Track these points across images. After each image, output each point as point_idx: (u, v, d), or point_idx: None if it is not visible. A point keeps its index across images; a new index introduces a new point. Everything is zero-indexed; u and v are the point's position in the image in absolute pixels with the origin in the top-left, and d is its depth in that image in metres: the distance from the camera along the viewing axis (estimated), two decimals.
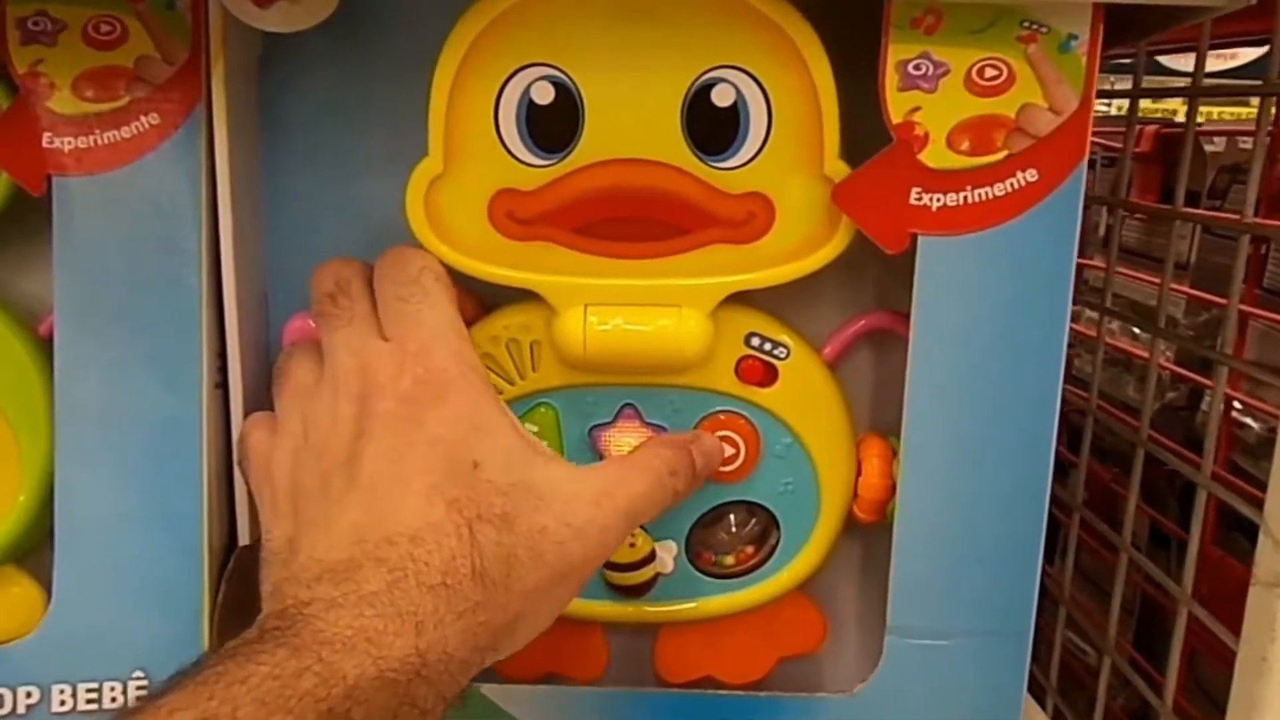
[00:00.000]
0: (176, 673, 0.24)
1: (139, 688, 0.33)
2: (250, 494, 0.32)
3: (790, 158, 0.31)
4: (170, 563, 0.33)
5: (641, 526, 0.34)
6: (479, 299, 0.33)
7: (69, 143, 0.32)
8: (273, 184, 0.35)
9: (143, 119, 0.32)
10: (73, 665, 0.33)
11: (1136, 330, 0.71)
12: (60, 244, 0.32)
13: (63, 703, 0.33)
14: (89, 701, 0.33)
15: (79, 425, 0.33)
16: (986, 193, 0.30)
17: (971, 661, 0.32)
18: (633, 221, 0.31)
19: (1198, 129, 0.42)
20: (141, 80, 0.31)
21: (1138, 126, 0.48)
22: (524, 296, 0.32)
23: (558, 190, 0.31)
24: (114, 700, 0.33)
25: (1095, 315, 0.43)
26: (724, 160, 0.31)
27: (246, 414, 0.33)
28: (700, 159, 0.31)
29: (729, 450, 0.33)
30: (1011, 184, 0.30)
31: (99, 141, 0.32)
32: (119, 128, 0.32)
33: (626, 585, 0.34)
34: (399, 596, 0.25)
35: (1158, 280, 0.40)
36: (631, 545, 0.34)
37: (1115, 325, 0.57)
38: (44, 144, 0.31)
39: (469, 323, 0.33)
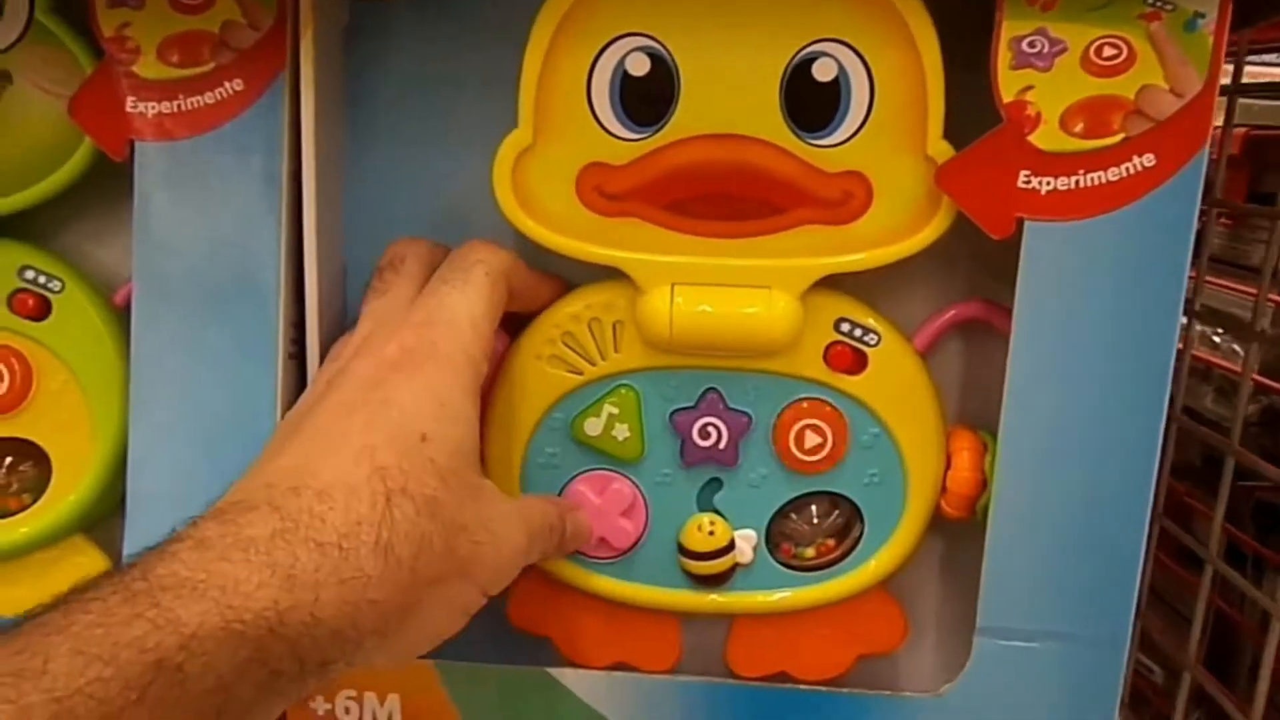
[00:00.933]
0: (13, 619, 0.23)
1: None
2: None
3: (892, 137, 0.29)
4: None
5: (720, 514, 0.33)
6: (559, 280, 0.33)
7: (152, 108, 0.31)
8: (356, 157, 0.34)
9: (227, 85, 0.31)
10: None
11: (1216, 339, 0.68)
12: (140, 211, 0.32)
13: None
14: None
15: (153, 395, 0.33)
16: (1100, 177, 0.29)
17: (1064, 667, 0.31)
18: (724, 199, 0.30)
19: None
20: (227, 46, 0.31)
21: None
22: (609, 274, 0.32)
23: (649, 165, 0.30)
24: None
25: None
26: (822, 137, 0.30)
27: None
28: (798, 136, 0.30)
29: (815, 440, 0.32)
30: (1127, 169, 0.28)
31: (182, 107, 0.32)
32: (202, 94, 0.31)
33: (704, 575, 0.33)
34: (279, 546, 0.23)
35: (1244, 288, 0.38)
36: (711, 534, 0.33)
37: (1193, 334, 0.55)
38: (127, 109, 0.31)
39: (549, 302, 0.32)
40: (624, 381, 0.33)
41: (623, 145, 0.30)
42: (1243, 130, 0.68)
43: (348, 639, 0.24)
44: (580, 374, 0.33)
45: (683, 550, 0.33)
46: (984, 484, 0.32)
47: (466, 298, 0.30)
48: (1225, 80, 0.42)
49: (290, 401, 0.33)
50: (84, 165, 0.33)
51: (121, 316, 0.34)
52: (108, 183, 0.33)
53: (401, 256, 0.31)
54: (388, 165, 0.34)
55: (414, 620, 0.26)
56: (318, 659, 0.24)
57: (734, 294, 0.31)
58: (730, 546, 0.33)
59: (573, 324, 0.32)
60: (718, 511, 0.33)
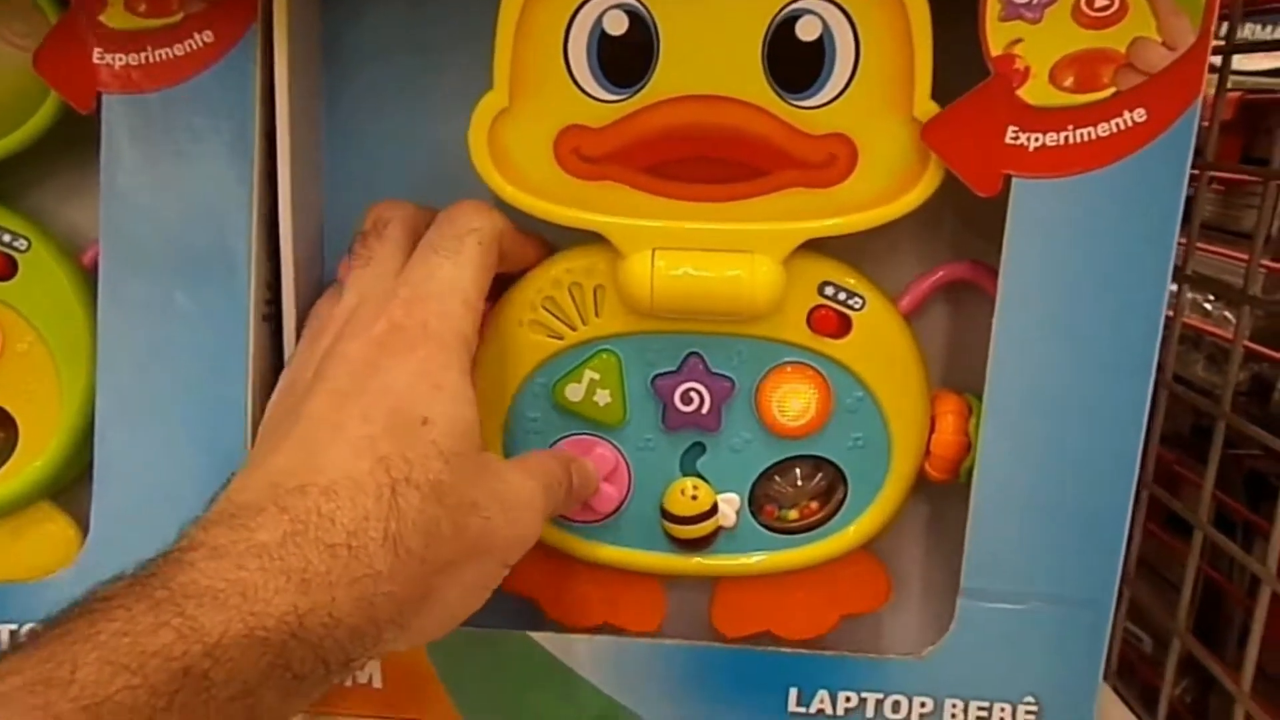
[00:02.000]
0: (32, 627, 0.23)
1: None
2: None
3: (877, 97, 0.29)
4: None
5: (703, 478, 0.33)
6: (544, 241, 0.32)
7: (119, 59, 0.31)
8: (333, 116, 0.33)
9: (196, 36, 0.31)
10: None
11: (1208, 306, 0.68)
12: (107, 167, 0.31)
13: None
14: None
15: (120, 359, 0.32)
16: (1090, 133, 0.28)
17: (1048, 629, 0.31)
18: (706, 162, 0.30)
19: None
20: None
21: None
22: (589, 239, 0.31)
23: (628, 127, 0.29)
24: None
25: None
26: (806, 98, 0.29)
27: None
28: (781, 96, 0.29)
29: (797, 405, 0.32)
30: (1118, 124, 0.28)
31: (150, 59, 0.31)
32: (170, 45, 0.31)
33: (687, 539, 0.33)
34: (290, 551, 0.23)
35: (1235, 254, 0.38)
36: (694, 498, 0.33)
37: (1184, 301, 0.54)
38: (94, 60, 0.30)
39: (533, 264, 0.32)
40: (605, 346, 0.32)
41: (601, 107, 0.29)
42: (1237, 95, 0.67)
43: (366, 634, 0.24)
44: (561, 339, 0.32)
45: (666, 515, 0.33)
46: (969, 447, 0.32)
47: (459, 270, 0.29)
48: (1219, 40, 0.41)
49: (266, 366, 0.33)
50: (49, 120, 0.32)
51: (90, 277, 0.34)
52: (76, 139, 0.32)
53: (385, 220, 0.30)
54: (366, 124, 0.33)
55: (432, 606, 0.26)
56: (340, 658, 0.24)
57: (716, 258, 0.30)
58: (713, 510, 0.33)
59: (553, 288, 0.32)
60: (701, 476, 0.33)
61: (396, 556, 0.24)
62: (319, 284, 0.34)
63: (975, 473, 0.31)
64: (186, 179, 0.31)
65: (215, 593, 0.22)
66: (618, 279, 0.31)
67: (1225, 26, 0.39)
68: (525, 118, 0.30)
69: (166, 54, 0.31)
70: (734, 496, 0.33)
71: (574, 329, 0.32)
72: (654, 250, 0.30)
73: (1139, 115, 0.28)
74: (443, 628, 0.27)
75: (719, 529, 0.33)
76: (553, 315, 0.32)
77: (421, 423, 0.26)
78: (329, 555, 0.24)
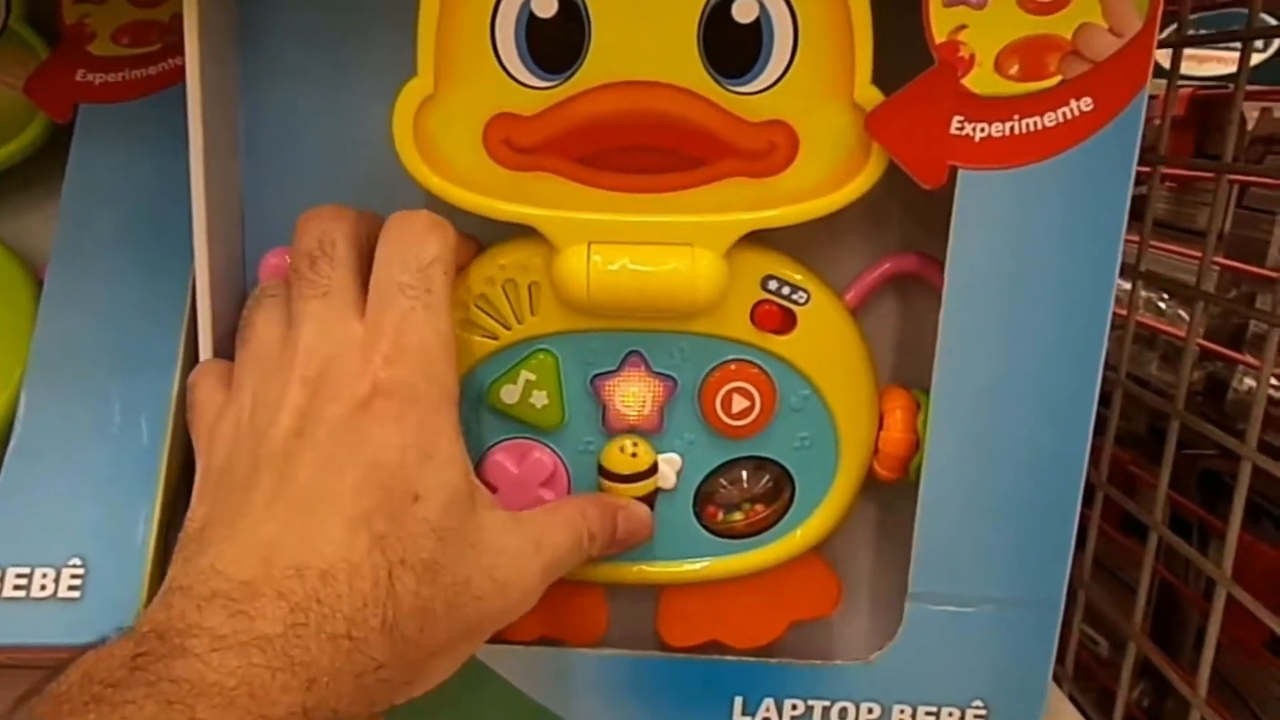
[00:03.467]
0: (34, 686, 0.22)
1: (73, 575, 0.31)
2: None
3: (817, 82, 0.28)
4: (123, 467, 0.31)
5: (643, 435, 0.32)
6: (476, 240, 0.31)
7: (100, 78, 0.34)
8: (252, 103, 0.32)
9: (170, 61, 0.33)
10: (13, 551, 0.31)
11: (1162, 305, 0.68)
12: (72, 170, 0.33)
13: None
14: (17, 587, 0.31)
15: (55, 346, 0.32)
16: (1036, 123, 0.27)
17: (997, 631, 0.31)
18: (642, 151, 0.28)
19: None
20: (175, 32, 0.33)
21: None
22: (522, 233, 0.30)
23: (560, 115, 0.28)
24: (43, 589, 0.30)
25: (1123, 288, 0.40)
26: (744, 84, 0.28)
27: (215, 350, 0.31)
28: (718, 82, 0.28)
29: (743, 403, 0.31)
30: (1064, 113, 0.27)
31: (127, 78, 0.34)
32: (147, 67, 0.34)
33: (631, 497, 0.32)
34: (295, 644, 0.23)
35: (1189, 252, 0.37)
36: (634, 455, 0.31)
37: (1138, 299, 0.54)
38: (76, 79, 0.33)
39: (464, 264, 0.30)
40: (541, 346, 0.31)
41: (532, 94, 0.28)
42: (1188, 91, 0.67)
43: (360, 718, 0.24)
44: (495, 338, 0.31)
45: (604, 472, 0.32)
46: (917, 444, 0.31)
47: (432, 314, 0.27)
48: (1171, 30, 0.41)
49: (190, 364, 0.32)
50: (34, 142, 0.34)
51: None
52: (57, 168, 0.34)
53: (330, 240, 0.28)
54: (289, 114, 0.32)
55: (421, 679, 0.26)
56: None
57: (654, 252, 0.29)
58: (653, 469, 0.32)
59: (486, 286, 0.31)
60: None
61: (393, 644, 0.24)
62: (240, 281, 0.32)
63: (922, 471, 0.30)
64: (142, 179, 0.33)
65: (223, 690, 0.22)
66: (553, 274, 0.30)
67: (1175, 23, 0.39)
68: (452, 105, 0.28)
69: (143, 73, 0.34)
70: (675, 457, 0.32)
71: (509, 328, 0.31)
72: (590, 244, 0.29)
73: (1085, 104, 0.27)
74: (421, 692, 0.27)
75: (658, 490, 0.32)
76: (486, 314, 0.31)
77: (413, 499, 0.25)
78: (331, 647, 0.23)
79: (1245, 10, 0.35)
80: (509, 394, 0.31)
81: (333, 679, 0.23)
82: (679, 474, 0.32)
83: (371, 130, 0.29)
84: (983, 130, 0.27)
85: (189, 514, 0.27)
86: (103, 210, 0.33)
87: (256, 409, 0.27)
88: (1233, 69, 0.35)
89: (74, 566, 0.30)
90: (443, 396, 0.27)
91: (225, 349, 0.31)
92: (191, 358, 0.32)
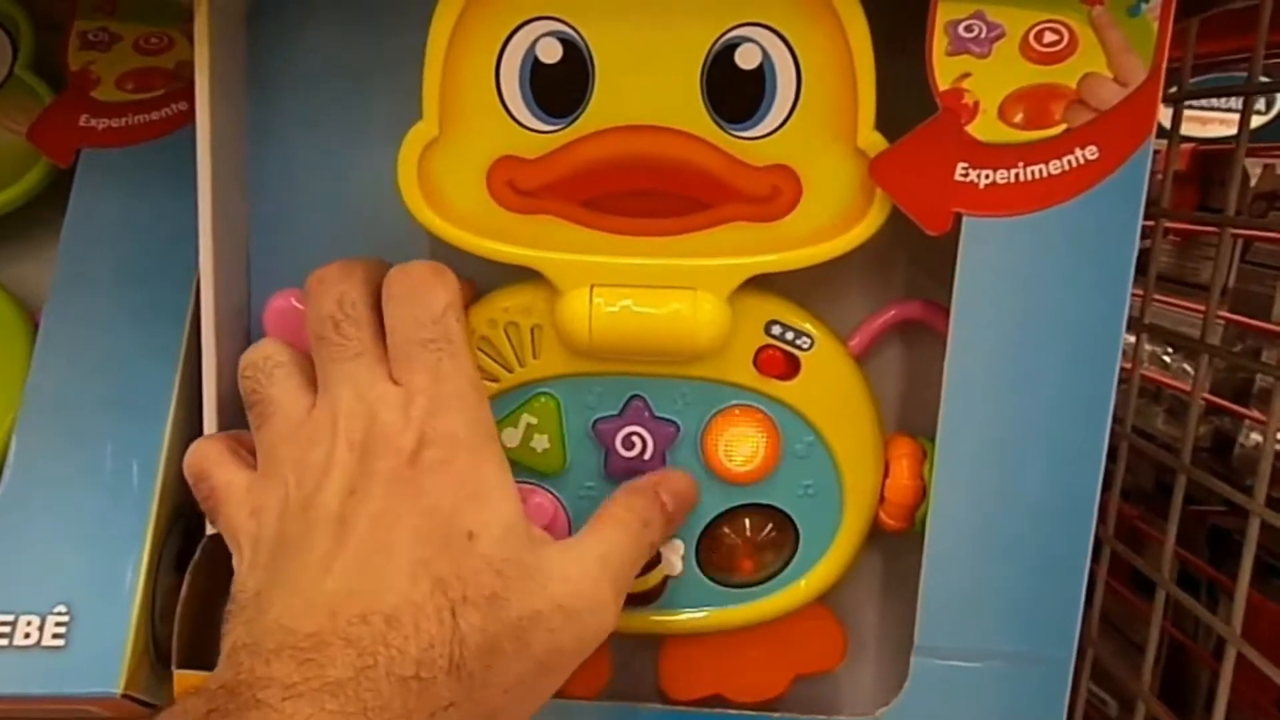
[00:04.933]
0: None
1: (58, 623, 0.30)
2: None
3: (820, 128, 0.28)
4: (112, 513, 0.31)
5: None
6: (472, 284, 0.31)
7: (103, 123, 0.34)
8: (259, 150, 0.32)
9: (173, 106, 0.34)
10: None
11: (1166, 359, 0.68)
12: (72, 214, 0.34)
13: None
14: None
15: (49, 390, 0.32)
16: (1041, 170, 0.27)
17: (1006, 687, 0.30)
18: (645, 195, 0.28)
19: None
20: (179, 78, 0.34)
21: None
22: (525, 276, 0.30)
23: (563, 159, 0.28)
24: (27, 637, 0.30)
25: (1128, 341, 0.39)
26: (747, 129, 0.28)
27: (219, 392, 0.30)
28: (721, 127, 0.28)
29: (744, 449, 0.31)
30: (1069, 161, 0.27)
31: (130, 124, 0.34)
32: (149, 113, 0.34)
33: (633, 592, 0.31)
34: (365, 688, 0.23)
35: (1193, 306, 0.37)
36: None
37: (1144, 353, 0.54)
38: (80, 124, 0.34)
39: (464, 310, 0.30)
40: (543, 389, 0.31)
41: (535, 138, 0.28)
42: (1190, 147, 0.67)
43: None
44: (497, 381, 0.31)
45: None
46: (924, 493, 0.31)
47: (458, 361, 0.28)
48: (1173, 89, 0.41)
49: (186, 405, 0.32)
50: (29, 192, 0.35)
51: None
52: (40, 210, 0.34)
53: (350, 301, 0.28)
54: (295, 159, 0.32)
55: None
56: None
57: (657, 295, 0.29)
58: (657, 559, 0.31)
59: (488, 329, 0.30)
60: None
61: (461, 683, 0.24)
62: (244, 323, 0.32)
63: (928, 521, 0.29)
64: (142, 224, 0.34)
65: None
66: (555, 317, 0.30)
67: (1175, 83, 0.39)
68: (456, 148, 0.28)
69: (145, 119, 0.34)
70: (678, 543, 0.32)
71: (510, 371, 0.31)
72: (592, 286, 0.29)
73: (1090, 153, 0.27)
74: None
75: (666, 579, 0.32)
76: (488, 357, 0.31)
77: (468, 538, 0.26)
78: (402, 689, 0.23)
79: (1245, 74, 0.35)
80: (510, 437, 0.31)
81: None
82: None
83: (377, 175, 0.30)
84: (987, 177, 0.27)
85: (237, 586, 0.27)
86: (101, 254, 0.33)
87: (303, 479, 0.27)
88: (1234, 130, 0.35)
89: (59, 614, 0.30)
90: (485, 438, 0.27)
91: (227, 394, 0.30)
92: (187, 401, 0.32)
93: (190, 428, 0.32)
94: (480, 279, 0.31)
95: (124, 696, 0.29)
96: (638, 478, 0.31)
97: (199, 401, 0.31)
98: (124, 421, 0.32)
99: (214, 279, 0.30)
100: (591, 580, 0.27)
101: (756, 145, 0.28)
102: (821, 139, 0.28)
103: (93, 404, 0.32)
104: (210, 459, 0.29)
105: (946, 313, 0.29)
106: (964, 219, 0.27)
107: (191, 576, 0.31)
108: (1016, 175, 0.27)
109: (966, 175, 0.27)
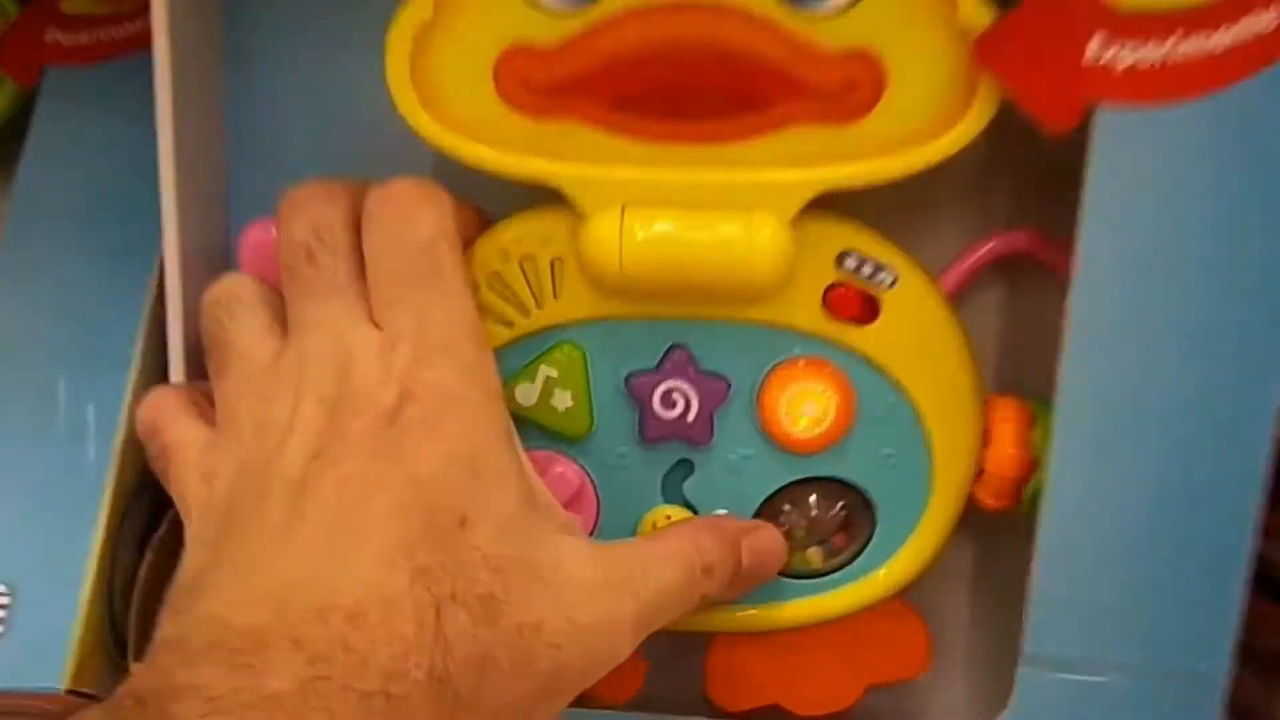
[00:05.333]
0: None
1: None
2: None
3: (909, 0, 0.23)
4: (64, 484, 0.29)
5: (691, 506, 0.27)
6: (481, 213, 0.27)
7: (69, 38, 0.33)
8: (238, 69, 0.29)
9: (148, 20, 0.30)
10: None
11: None
12: (33, 143, 0.32)
13: None
14: None
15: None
16: (1200, 45, 0.22)
17: (1137, 709, 0.25)
18: (689, 92, 0.24)
19: None
20: None
21: None
22: (543, 197, 0.26)
23: (587, 46, 0.24)
24: None
25: None
26: (817, 4, 0.24)
27: (186, 341, 0.27)
28: (783, 2, 0.23)
29: (810, 409, 0.26)
30: (1238, 32, 0.22)
31: (101, 38, 0.33)
32: (123, 25, 0.33)
33: None
34: (313, 705, 0.18)
35: None
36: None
37: None
38: (45, 39, 0.32)
39: (469, 242, 0.26)
40: (565, 336, 0.27)
41: (553, 20, 0.24)
42: None
43: None
44: (511, 326, 0.27)
45: None
46: (1032, 465, 0.26)
47: (451, 300, 0.24)
48: None
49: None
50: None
51: None
52: None
53: (328, 227, 0.25)
54: (276, 73, 0.29)
55: None
56: None
57: (704, 217, 0.25)
58: None
59: (500, 263, 0.26)
60: (687, 503, 0.28)
61: (443, 701, 0.20)
62: (220, 257, 0.29)
63: (1043, 502, 0.25)
64: (111, 145, 0.31)
65: None
66: (579, 247, 0.26)
67: None
68: (456, 35, 0.24)
69: (116, 34, 0.32)
70: None
71: (526, 314, 0.27)
72: (624, 208, 0.25)
73: (1269, 19, 0.22)
74: None
75: None
76: (499, 297, 0.27)
77: (460, 524, 0.21)
78: (363, 708, 0.19)
79: None
80: (525, 394, 0.27)
81: None
82: None
83: (369, 94, 0.26)
84: (1129, 54, 0.22)
85: (180, 568, 0.23)
86: (64, 185, 0.31)
87: (263, 439, 0.23)
88: None
89: None
90: (485, 395, 0.23)
91: (197, 342, 0.27)
92: (151, 357, 0.29)
93: (156, 381, 0.29)
94: (490, 204, 0.27)
95: (70, 692, 0.27)
96: (724, 513, 0.27)
97: (166, 351, 0.28)
98: (81, 373, 0.29)
99: (176, 210, 0.27)
100: (612, 599, 0.23)
101: (828, 23, 0.24)
102: (910, 14, 0.23)
103: (45, 353, 0.29)
104: (165, 413, 0.25)
105: (1062, 244, 0.25)
106: (1097, 112, 0.23)
107: (153, 554, 0.28)
108: (1169, 52, 0.22)
109: (1101, 54, 0.23)
